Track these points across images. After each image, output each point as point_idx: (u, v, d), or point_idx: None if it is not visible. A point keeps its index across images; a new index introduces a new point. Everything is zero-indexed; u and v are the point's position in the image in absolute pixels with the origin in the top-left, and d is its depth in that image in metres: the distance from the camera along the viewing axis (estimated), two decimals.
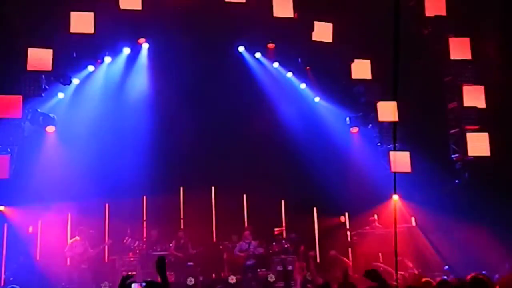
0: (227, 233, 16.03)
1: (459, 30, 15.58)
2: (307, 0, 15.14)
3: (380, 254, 14.60)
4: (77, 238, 13.74)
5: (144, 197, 16.19)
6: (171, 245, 14.73)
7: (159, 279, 5.11)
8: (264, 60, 16.62)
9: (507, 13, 15.13)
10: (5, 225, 13.70)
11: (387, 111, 15.50)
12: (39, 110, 14.16)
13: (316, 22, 15.11)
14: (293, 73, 16.77)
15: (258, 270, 14.62)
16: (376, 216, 15.41)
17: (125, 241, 14.54)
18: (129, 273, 13.14)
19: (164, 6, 14.62)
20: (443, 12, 15.58)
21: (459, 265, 13.40)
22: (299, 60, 15.97)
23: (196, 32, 15.19)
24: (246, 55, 16.52)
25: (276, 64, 16.69)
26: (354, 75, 15.64)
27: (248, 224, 16.17)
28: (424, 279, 7.68)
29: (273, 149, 16.36)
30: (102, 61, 15.24)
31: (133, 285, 4.59)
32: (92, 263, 13.91)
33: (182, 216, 16.52)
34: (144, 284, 4.66)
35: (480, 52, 15.53)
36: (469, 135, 15.23)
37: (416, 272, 11.87)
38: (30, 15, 14.11)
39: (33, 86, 13.52)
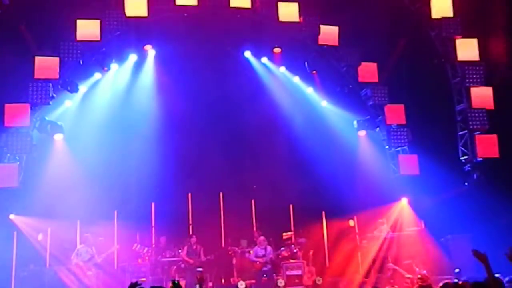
0: (236, 238, 16.01)
1: (466, 31, 15.52)
2: (313, 4, 15.14)
3: (389, 257, 14.50)
4: (83, 245, 13.74)
5: (153, 204, 16.20)
6: (180, 250, 14.71)
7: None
8: (270, 65, 16.62)
9: None
10: (15, 233, 13.73)
11: (395, 114, 15.48)
12: (47, 118, 14.24)
13: (322, 26, 15.11)
14: (300, 78, 16.76)
15: (274, 274, 14.54)
16: (384, 220, 15.33)
17: (134, 247, 14.55)
18: (139, 280, 13.19)
19: (169, 12, 14.71)
20: (450, 13, 15.56)
21: (470, 268, 13.29)
22: (306, 64, 15.94)
23: (202, 38, 15.24)
24: (253, 60, 16.53)
25: (282, 69, 16.69)
26: (361, 79, 15.62)
27: (256, 229, 16.14)
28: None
29: (281, 154, 16.31)
30: (109, 69, 15.28)
31: None
32: (99, 269, 13.90)
33: (190, 222, 16.52)
34: None
35: (488, 53, 15.46)
36: (478, 137, 15.17)
37: (421, 275, 11.75)
38: (37, 24, 14.21)
39: (41, 94, 13.65)
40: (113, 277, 14.40)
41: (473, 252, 6.24)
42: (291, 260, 14.74)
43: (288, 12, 14.94)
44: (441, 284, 7.18)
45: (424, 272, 12.76)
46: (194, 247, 14.62)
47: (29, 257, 13.88)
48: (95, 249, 13.80)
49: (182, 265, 14.51)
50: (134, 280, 12.48)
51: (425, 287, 6.24)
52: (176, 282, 5.18)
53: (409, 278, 13.11)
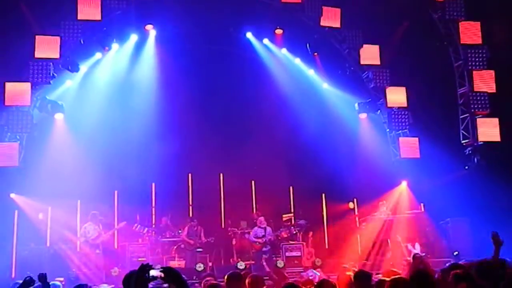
0: (236, 219, 16.08)
1: (469, 14, 15.41)
2: None
3: (388, 240, 14.56)
4: (90, 223, 13.76)
5: (153, 184, 16.25)
6: (181, 231, 14.77)
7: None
8: (272, 46, 16.52)
9: None
10: (16, 211, 13.79)
11: (396, 96, 15.44)
12: (47, 97, 14.20)
13: (324, 7, 15.00)
14: (301, 59, 16.68)
15: (274, 256, 14.59)
16: (384, 202, 15.36)
17: (134, 228, 14.61)
18: (139, 259, 13.28)
19: None
20: None
21: (468, 251, 13.36)
22: (307, 46, 15.84)
23: (203, 18, 15.14)
24: (254, 41, 16.43)
25: (284, 50, 16.60)
26: (363, 61, 15.53)
27: (256, 211, 16.19)
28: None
29: (281, 135, 16.31)
30: (110, 48, 15.21)
31: (151, 271, 4.52)
32: (105, 249, 13.97)
33: (190, 203, 16.58)
34: (160, 268, 4.63)
35: (491, 36, 15.36)
36: (479, 120, 15.14)
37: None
38: (38, 3, 14.11)
39: (41, 73, 13.59)
40: (113, 257, 14.48)
41: (493, 234, 6.23)
42: (291, 242, 14.81)
43: None
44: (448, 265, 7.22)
45: (418, 253, 12.79)
46: (195, 228, 14.68)
47: (29, 236, 13.94)
48: (101, 227, 13.83)
49: (182, 246, 14.59)
50: (134, 259, 12.57)
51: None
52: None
53: (406, 260, 13.15)
